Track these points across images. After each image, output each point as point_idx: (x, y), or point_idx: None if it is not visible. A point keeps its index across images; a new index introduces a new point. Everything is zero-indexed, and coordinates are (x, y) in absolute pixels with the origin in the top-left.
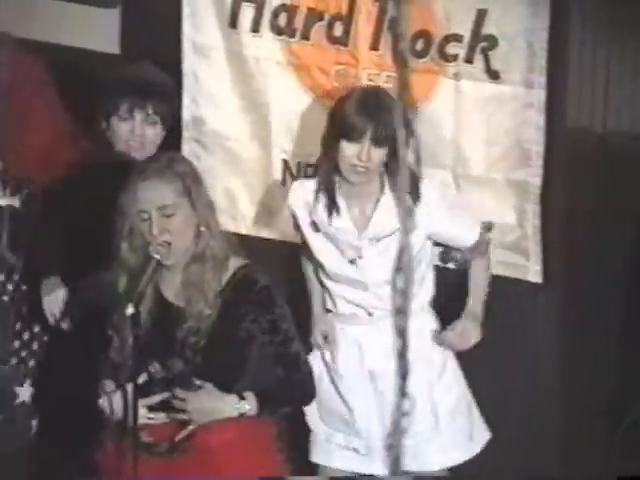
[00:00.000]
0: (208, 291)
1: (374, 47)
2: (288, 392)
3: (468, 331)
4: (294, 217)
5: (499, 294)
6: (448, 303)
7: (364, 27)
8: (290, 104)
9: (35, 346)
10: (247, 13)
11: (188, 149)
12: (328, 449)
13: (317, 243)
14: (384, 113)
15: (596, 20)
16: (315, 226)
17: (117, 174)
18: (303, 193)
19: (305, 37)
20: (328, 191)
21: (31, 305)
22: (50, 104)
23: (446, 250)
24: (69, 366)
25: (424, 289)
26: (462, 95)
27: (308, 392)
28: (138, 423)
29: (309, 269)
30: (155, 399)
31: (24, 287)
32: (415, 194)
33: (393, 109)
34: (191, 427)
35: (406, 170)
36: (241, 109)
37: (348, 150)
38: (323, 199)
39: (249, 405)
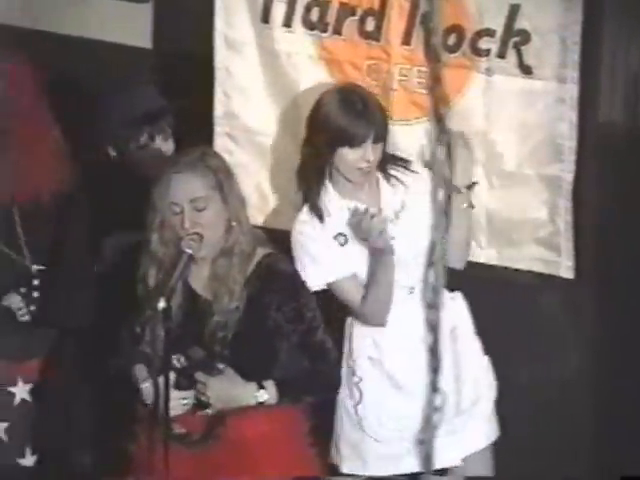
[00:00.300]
0: (234, 286)
1: (406, 42)
2: (312, 381)
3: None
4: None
5: (531, 290)
6: None
7: (396, 22)
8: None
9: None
10: (279, 8)
11: (220, 144)
12: (396, 454)
13: (350, 253)
14: (376, 111)
15: (629, 15)
16: (342, 238)
17: (150, 169)
18: (311, 224)
19: (337, 32)
20: (312, 198)
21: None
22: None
23: None
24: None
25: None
26: (494, 90)
27: (333, 382)
28: (170, 414)
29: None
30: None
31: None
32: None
33: (377, 102)
34: (209, 411)
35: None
36: (273, 104)
37: (351, 155)
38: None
39: (268, 395)
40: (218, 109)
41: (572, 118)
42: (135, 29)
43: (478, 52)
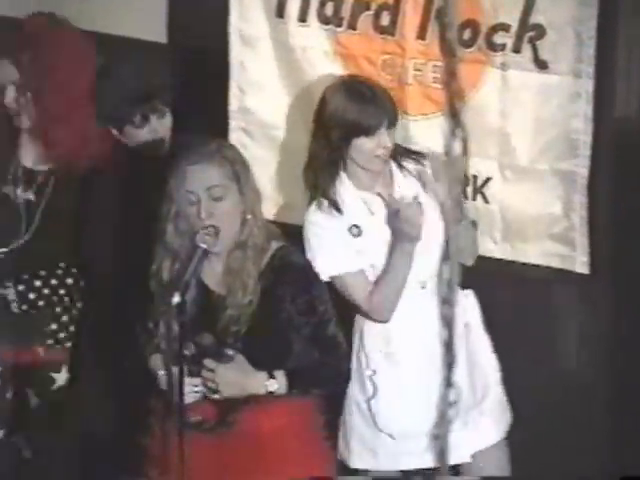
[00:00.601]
0: (248, 279)
1: (421, 37)
2: (321, 374)
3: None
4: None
5: (545, 285)
6: None
7: (411, 16)
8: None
9: (76, 336)
10: (294, 2)
11: (235, 138)
12: (408, 448)
13: (359, 248)
14: (384, 97)
15: None
16: (356, 229)
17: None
18: (324, 215)
19: (352, 26)
20: (329, 194)
21: (71, 289)
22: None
23: None
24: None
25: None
26: (509, 85)
27: (342, 375)
28: (185, 402)
29: None
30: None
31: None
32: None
33: (382, 89)
34: (216, 396)
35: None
36: (287, 98)
37: (368, 144)
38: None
39: (278, 384)
40: (233, 104)
41: (587, 113)
42: (150, 24)
43: (493, 47)
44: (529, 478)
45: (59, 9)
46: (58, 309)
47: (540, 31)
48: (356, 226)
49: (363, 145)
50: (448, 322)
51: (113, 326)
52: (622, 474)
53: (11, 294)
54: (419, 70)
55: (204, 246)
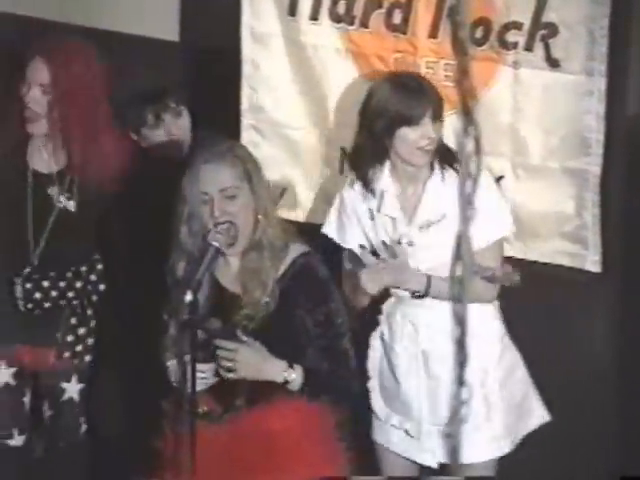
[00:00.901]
0: (267, 279)
1: (433, 35)
2: (332, 382)
3: None
4: (350, 215)
5: (557, 283)
6: None
7: (423, 15)
8: (348, 91)
9: (90, 342)
10: (306, 1)
11: (246, 136)
12: (386, 429)
13: (375, 233)
14: (430, 89)
15: None
16: (371, 213)
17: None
18: (355, 192)
19: (364, 25)
20: (370, 183)
21: (80, 293)
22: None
23: None
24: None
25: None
26: (521, 83)
27: (352, 389)
28: (196, 392)
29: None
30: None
31: (82, 283)
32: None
33: (429, 82)
34: (231, 375)
35: (469, 158)
36: (299, 97)
37: (412, 135)
38: (373, 189)
39: (295, 375)
40: (244, 102)
41: (599, 111)
42: (162, 22)
43: (505, 45)
44: (529, 478)
45: (69, 8)
46: (67, 313)
47: (552, 29)
48: (371, 210)
49: (406, 135)
50: (460, 320)
51: (128, 329)
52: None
53: (18, 291)
54: (431, 68)
55: (216, 244)
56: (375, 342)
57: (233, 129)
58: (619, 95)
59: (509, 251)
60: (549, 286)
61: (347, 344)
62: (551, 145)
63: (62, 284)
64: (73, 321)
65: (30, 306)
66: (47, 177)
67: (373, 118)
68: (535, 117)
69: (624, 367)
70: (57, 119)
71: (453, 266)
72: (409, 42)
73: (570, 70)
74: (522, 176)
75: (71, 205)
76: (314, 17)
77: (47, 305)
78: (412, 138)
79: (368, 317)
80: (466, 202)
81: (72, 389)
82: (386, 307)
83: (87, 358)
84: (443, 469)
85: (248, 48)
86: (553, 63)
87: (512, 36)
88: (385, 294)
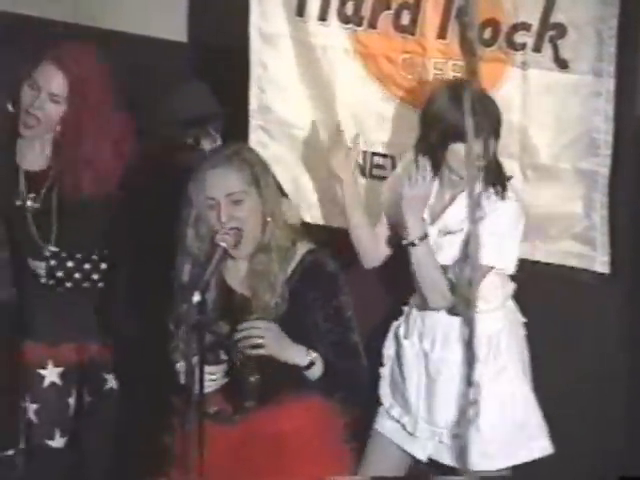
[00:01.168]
0: (275, 281)
1: (441, 36)
2: (347, 378)
3: None
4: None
5: (566, 284)
6: None
7: (431, 15)
8: (357, 93)
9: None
10: (314, 1)
11: (255, 137)
12: (387, 418)
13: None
14: (491, 106)
15: None
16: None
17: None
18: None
19: (372, 25)
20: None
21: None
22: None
23: None
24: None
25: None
26: (530, 84)
27: (362, 384)
28: (205, 393)
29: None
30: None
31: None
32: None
33: (489, 98)
34: (262, 351)
35: (475, 159)
36: (308, 97)
37: (464, 151)
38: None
39: (317, 361)
40: (253, 102)
41: (608, 112)
42: (170, 23)
43: (514, 46)
44: (530, 478)
45: (75, 8)
46: (97, 302)
47: (561, 30)
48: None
49: (459, 151)
50: (469, 320)
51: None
52: None
53: (42, 267)
54: (439, 69)
55: (224, 244)
56: (392, 332)
57: (241, 130)
58: (628, 96)
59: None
60: (557, 287)
61: (357, 338)
62: (560, 146)
63: (87, 266)
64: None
65: (52, 282)
66: (36, 175)
67: (430, 126)
68: (543, 118)
69: (633, 368)
70: (60, 128)
71: (461, 266)
72: (417, 43)
73: (579, 71)
74: (530, 177)
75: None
76: (322, 18)
77: (69, 285)
78: (464, 154)
79: (392, 306)
80: (474, 203)
81: (112, 379)
82: (412, 300)
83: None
84: (433, 465)
85: (256, 49)
86: (561, 64)
87: (520, 37)
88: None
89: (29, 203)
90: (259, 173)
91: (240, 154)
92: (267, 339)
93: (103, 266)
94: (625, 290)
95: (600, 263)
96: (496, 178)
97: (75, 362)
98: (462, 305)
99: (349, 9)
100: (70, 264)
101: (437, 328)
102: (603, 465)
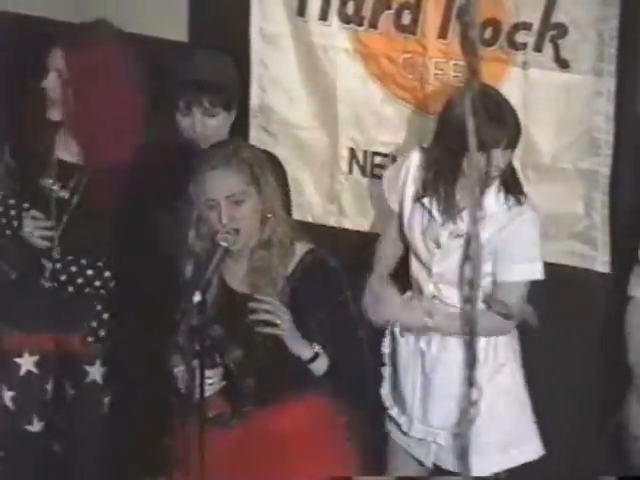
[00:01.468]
0: (276, 277)
1: (442, 35)
2: (352, 375)
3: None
4: (406, 177)
5: (566, 284)
6: None
7: (432, 15)
8: (358, 92)
9: (113, 325)
10: (315, 1)
11: (255, 137)
12: (390, 420)
13: (412, 213)
14: (509, 116)
15: None
16: (417, 194)
17: (184, 162)
18: (417, 162)
19: (373, 25)
20: (444, 193)
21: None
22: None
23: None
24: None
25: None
26: (531, 84)
27: (367, 381)
28: (205, 397)
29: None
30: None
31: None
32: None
33: (510, 107)
34: (275, 331)
35: (477, 158)
36: (308, 97)
37: (481, 160)
38: (433, 187)
39: (321, 354)
40: (254, 102)
41: (609, 112)
42: (171, 22)
43: (515, 46)
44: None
45: (78, 8)
46: (94, 300)
47: (562, 30)
48: (417, 191)
49: (480, 160)
50: (470, 321)
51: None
52: None
53: (47, 269)
54: (440, 69)
55: (225, 244)
56: (389, 331)
57: (242, 129)
58: (628, 96)
59: None
60: (558, 287)
61: (362, 334)
62: (560, 146)
63: (90, 272)
64: (98, 307)
65: (55, 285)
66: (67, 165)
67: (450, 131)
68: (544, 118)
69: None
70: (70, 104)
71: (462, 266)
72: (418, 43)
73: (579, 71)
74: (531, 177)
75: (71, 197)
76: (323, 18)
77: (70, 289)
78: (480, 164)
79: None
80: (476, 203)
81: (95, 372)
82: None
83: (110, 343)
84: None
85: (257, 48)
86: (562, 64)
87: (521, 37)
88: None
89: (55, 187)
90: (258, 172)
91: (239, 154)
92: (283, 322)
93: (107, 274)
94: (625, 290)
95: (601, 263)
96: (514, 187)
97: (52, 351)
98: (464, 305)
99: (350, 9)
100: (74, 269)
101: None
102: (603, 464)
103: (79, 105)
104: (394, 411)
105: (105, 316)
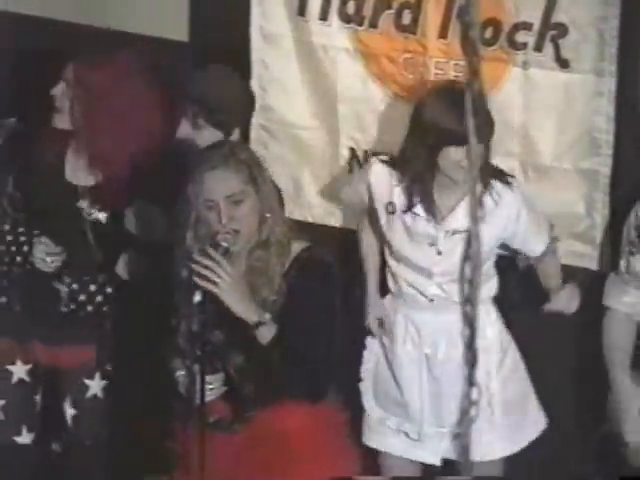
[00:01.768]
0: (274, 277)
1: (442, 35)
2: (305, 358)
3: (574, 295)
4: (370, 192)
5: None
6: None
7: (433, 15)
8: (358, 92)
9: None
10: (316, 1)
11: (256, 136)
12: (381, 432)
13: (389, 224)
14: (482, 110)
15: None
16: (392, 207)
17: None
18: (385, 174)
19: (373, 25)
20: (424, 190)
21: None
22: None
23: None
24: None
25: (488, 285)
26: (531, 84)
27: (318, 371)
28: (205, 402)
29: (368, 248)
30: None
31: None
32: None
33: (482, 101)
34: (212, 288)
35: (477, 159)
36: (309, 97)
37: (456, 155)
38: (411, 189)
39: (269, 325)
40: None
41: (609, 112)
42: (171, 22)
43: (515, 45)
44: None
45: (78, 8)
46: (98, 314)
47: (562, 30)
48: (391, 204)
49: (450, 155)
50: (470, 321)
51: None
52: None
53: (63, 291)
54: (441, 69)
55: (225, 244)
56: (373, 345)
57: (243, 129)
58: (629, 95)
59: None
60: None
61: (338, 330)
62: (561, 145)
63: (109, 290)
64: (96, 318)
65: (73, 306)
66: (81, 189)
67: (425, 130)
68: (545, 117)
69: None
70: (78, 115)
71: (462, 266)
72: (419, 42)
73: (580, 70)
74: (532, 176)
75: (102, 216)
76: (323, 17)
77: (90, 309)
78: (456, 158)
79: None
80: (476, 203)
81: (96, 386)
82: (386, 303)
83: (109, 354)
84: (447, 467)
85: (257, 48)
86: (563, 63)
87: (522, 36)
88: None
89: (93, 211)
90: (256, 172)
91: (236, 154)
92: (223, 283)
93: (109, 290)
94: None
95: (601, 263)
96: (495, 175)
97: (45, 361)
98: (464, 305)
99: (350, 8)
100: (93, 287)
101: (437, 329)
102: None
103: (89, 118)
104: (392, 422)
105: (106, 327)
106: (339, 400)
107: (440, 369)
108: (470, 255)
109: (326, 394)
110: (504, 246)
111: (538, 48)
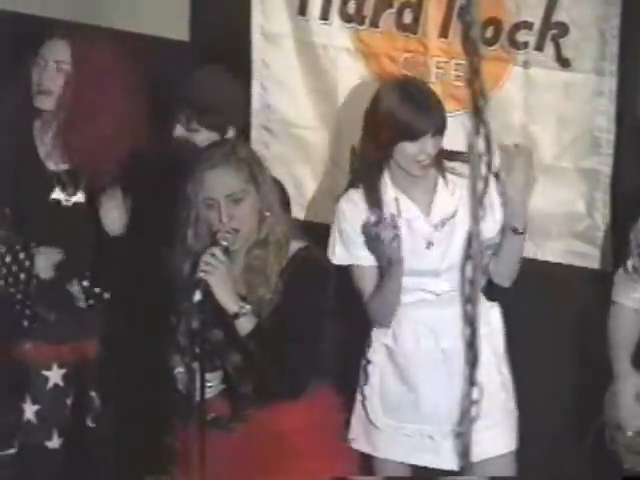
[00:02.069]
0: (271, 274)
1: (443, 35)
2: (284, 354)
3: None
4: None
5: (567, 283)
6: None
7: (433, 14)
8: (359, 92)
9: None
10: (316, 0)
11: (257, 136)
12: (388, 441)
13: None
14: (436, 104)
15: None
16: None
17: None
18: (355, 207)
19: (374, 24)
20: (373, 193)
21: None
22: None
23: None
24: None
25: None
26: (532, 83)
27: (296, 370)
28: (205, 399)
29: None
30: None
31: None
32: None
33: (435, 95)
34: (208, 278)
35: (478, 160)
36: (310, 96)
37: (411, 149)
38: (379, 198)
39: (249, 315)
40: (255, 102)
41: (610, 111)
42: (172, 21)
43: (516, 45)
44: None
45: (79, 7)
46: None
47: (563, 29)
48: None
49: (406, 149)
50: (471, 321)
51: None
52: None
53: (76, 290)
54: (441, 68)
55: (225, 243)
56: (377, 355)
57: (243, 128)
58: (630, 95)
59: None
60: (560, 286)
61: (325, 332)
62: (562, 145)
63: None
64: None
65: (92, 302)
66: (55, 173)
67: (380, 126)
68: (545, 117)
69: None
70: (68, 97)
71: (463, 266)
72: (420, 42)
73: (581, 70)
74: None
75: (78, 199)
76: (324, 17)
77: (107, 296)
78: (411, 153)
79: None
80: (477, 202)
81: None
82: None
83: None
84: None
85: (258, 47)
86: (564, 63)
87: (522, 36)
88: None
89: (63, 197)
90: (256, 170)
91: (237, 152)
92: (212, 271)
93: (97, 290)
94: None
95: (602, 262)
96: (450, 157)
97: (75, 362)
98: (464, 305)
99: (351, 8)
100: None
101: (453, 322)
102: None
103: (75, 96)
104: (409, 430)
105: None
106: (337, 399)
107: (457, 363)
108: (471, 255)
109: (304, 392)
110: None
111: (539, 47)
